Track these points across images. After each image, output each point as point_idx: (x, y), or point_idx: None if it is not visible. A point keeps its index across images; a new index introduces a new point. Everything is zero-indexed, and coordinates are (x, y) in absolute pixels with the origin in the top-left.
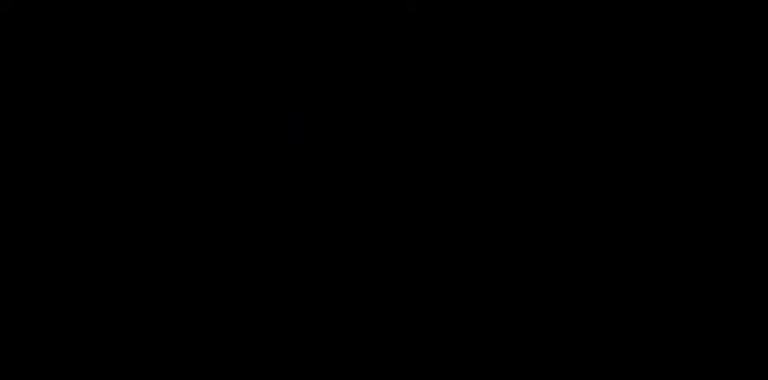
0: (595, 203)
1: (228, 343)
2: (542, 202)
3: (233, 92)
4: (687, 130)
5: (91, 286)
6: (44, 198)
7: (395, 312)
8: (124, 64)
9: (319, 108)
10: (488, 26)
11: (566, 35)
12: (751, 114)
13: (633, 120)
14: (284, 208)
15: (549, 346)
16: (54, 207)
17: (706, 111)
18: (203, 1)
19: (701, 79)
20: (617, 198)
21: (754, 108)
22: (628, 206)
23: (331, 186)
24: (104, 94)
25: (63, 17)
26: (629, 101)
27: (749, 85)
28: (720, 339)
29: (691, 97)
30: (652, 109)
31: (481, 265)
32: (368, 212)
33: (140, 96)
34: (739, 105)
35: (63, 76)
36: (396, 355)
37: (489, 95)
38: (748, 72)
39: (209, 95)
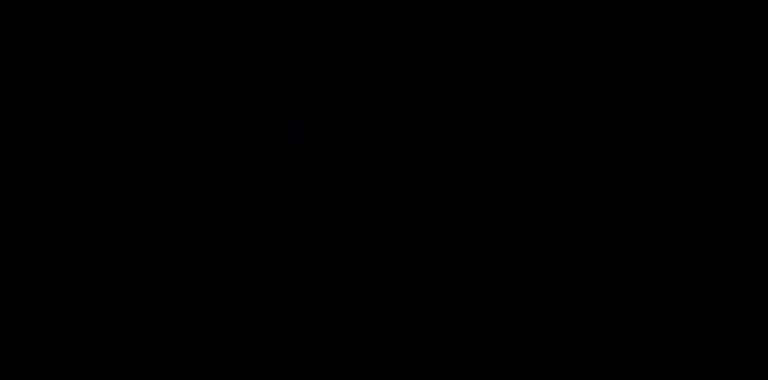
0: (594, 202)
1: (228, 343)
2: (541, 201)
3: (233, 92)
4: (686, 129)
5: (91, 286)
6: (44, 198)
7: (394, 312)
8: (124, 64)
9: (319, 108)
10: (488, 26)
11: (566, 35)
12: (750, 114)
13: (632, 120)
14: (284, 207)
15: (548, 346)
16: (55, 207)
17: (705, 110)
18: (203, 1)
19: (700, 79)
20: (616, 197)
21: (754, 108)
22: (627, 206)
23: (331, 186)
24: (104, 94)
25: (63, 17)
26: (627, 101)
27: (749, 85)
28: (720, 338)
29: (689, 97)
30: (651, 108)
31: (480, 264)
32: (367, 212)
33: (140, 96)
34: (739, 105)
35: (63, 76)
36: (395, 354)
37: (489, 95)
38: (748, 72)
39: (209, 95)
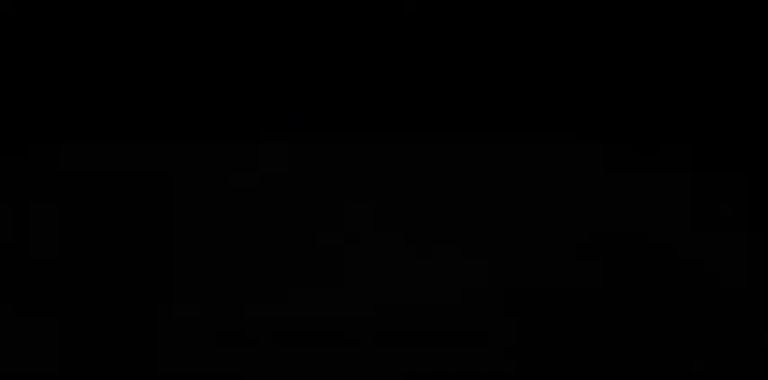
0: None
1: (229, 336)
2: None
3: (234, 92)
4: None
5: (91, 286)
6: (42, 207)
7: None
8: (124, 64)
9: (319, 108)
10: (488, 26)
11: (565, 35)
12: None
13: (630, 123)
14: (283, 208)
15: None
16: (56, 215)
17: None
18: (204, 1)
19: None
20: None
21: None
22: None
23: (330, 186)
24: (104, 93)
25: (63, 17)
26: (627, 105)
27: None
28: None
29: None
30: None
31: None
32: (366, 214)
33: (140, 96)
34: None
35: (63, 76)
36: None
37: (488, 95)
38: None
39: (209, 94)
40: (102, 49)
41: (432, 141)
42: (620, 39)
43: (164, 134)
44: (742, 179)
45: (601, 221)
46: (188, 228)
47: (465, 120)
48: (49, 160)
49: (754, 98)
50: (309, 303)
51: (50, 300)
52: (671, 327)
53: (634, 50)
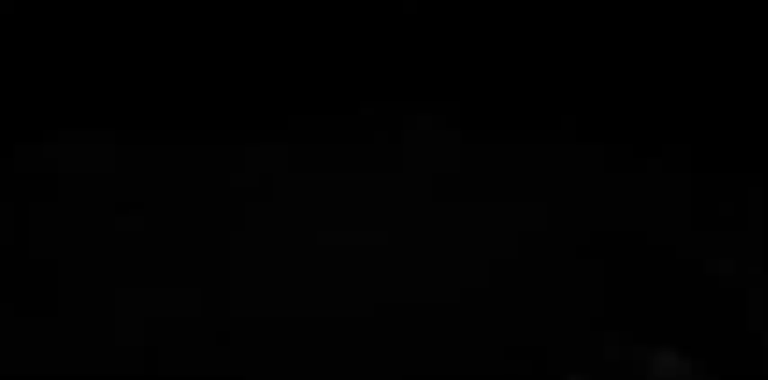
0: None
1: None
2: None
3: (234, 92)
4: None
5: (91, 286)
6: (42, 207)
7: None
8: (124, 64)
9: (321, 108)
10: (488, 26)
11: (565, 35)
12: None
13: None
14: (283, 208)
15: None
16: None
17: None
18: (204, 1)
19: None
20: None
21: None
22: None
23: (330, 186)
24: (104, 94)
25: (63, 17)
26: (627, 105)
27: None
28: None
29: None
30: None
31: None
32: (365, 214)
33: (140, 96)
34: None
35: (62, 76)
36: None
37: (488, 95)
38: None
39: (209, 95)
40: (101, 50)
41: (431, 141)
42: (620, 39)
43: (163, 134)
44: (742, 179)
45: (601, 221)
46: (187, 228)
47: (465, 120)
48: (48, 160)
49: (755, 98)
50: (309, 303)
51: (50, 300)
52: (671, 327)
53: (634, 50)
